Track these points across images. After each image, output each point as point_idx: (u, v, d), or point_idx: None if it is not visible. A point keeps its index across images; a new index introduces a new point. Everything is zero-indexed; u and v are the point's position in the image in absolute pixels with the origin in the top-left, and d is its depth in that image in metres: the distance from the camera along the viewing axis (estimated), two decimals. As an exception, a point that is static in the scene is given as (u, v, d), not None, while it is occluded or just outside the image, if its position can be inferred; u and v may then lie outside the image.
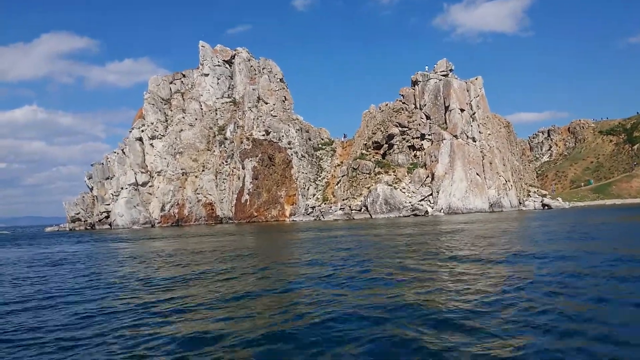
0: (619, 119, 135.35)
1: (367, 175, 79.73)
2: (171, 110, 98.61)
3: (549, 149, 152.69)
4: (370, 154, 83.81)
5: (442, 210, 72.02)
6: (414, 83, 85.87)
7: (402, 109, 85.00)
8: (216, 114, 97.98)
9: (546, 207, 79.66)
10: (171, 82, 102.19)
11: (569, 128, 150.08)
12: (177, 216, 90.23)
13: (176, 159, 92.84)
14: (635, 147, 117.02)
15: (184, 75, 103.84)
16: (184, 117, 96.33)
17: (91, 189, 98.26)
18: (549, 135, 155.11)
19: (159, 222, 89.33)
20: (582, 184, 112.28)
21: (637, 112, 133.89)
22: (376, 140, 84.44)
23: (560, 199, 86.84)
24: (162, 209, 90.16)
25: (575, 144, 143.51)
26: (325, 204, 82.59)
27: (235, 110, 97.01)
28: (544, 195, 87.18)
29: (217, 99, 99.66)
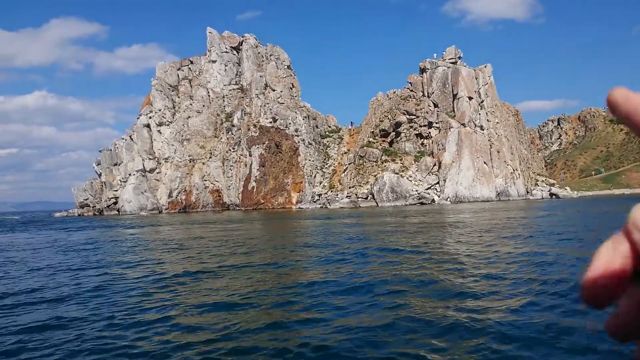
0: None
1: (374, 163, 79.54)
2: (179, 97, 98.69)
3: (558, 138, 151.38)
4: (377, 142, 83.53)
5: (448, 199, 71.83)
6: (422, 70, 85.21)
7: (410, 97, 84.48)
8: (223, 100, 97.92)
9: (554, 197, 79.15)
10: (179, 69, 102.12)
11: (579, 117, 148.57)
12: (184, 203, 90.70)
13: (183, 145, 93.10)
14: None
15: (191, 62, 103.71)
16: (191, 104, 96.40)
17: (99, 175, 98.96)
18: (558, 124, 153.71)
19: (166, 209, 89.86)
20: (593, 172, 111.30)
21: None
22: (383, 128, 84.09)
23: (568, 188, 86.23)
24: (170, 196, 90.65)
25: (585, 132, 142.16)
26: (332, 191, 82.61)
27: (242, 97, 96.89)
28: (552, 185, 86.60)
29: (225, 85, 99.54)
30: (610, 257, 0.45)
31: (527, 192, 79.81)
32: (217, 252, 19.53)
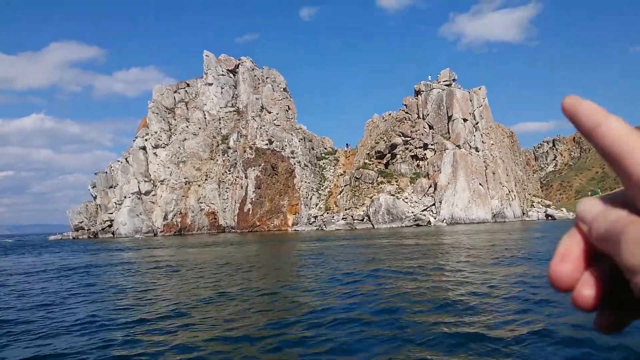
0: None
1: (370, 184, 79.52)
2: (175, 120, 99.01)
3: (554, 159, 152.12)
4: (373, 164, 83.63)
5: (444, 221, 71.66)
6: (417, 93, 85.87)
7: (405, 119, 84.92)
8: (220, 123, 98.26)
9: (550, 218, 79.11)
10: (175, 92, 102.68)
11: (574, 138, 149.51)
12: (179, 225, 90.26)
13: (179, 168, 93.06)
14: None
15: (188, 85, 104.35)
16: (187, 126, 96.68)
17: (95, 198, 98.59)
18: (554, 145, 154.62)
19: (161, 231, 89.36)
20: (589, 193, 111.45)
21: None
22: (379, 149, 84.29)
23: (564, 209, 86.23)
24: (165, 218, 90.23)
25: (580, 153, 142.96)
26: (327, 213, 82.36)
27: (238, 120, 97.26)
28: (548, 206, 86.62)
29: (221, 108, 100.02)
30: (568, 244, 0.54)
31: (523, 214, 79.75)
32: (213, 278, 19.28)
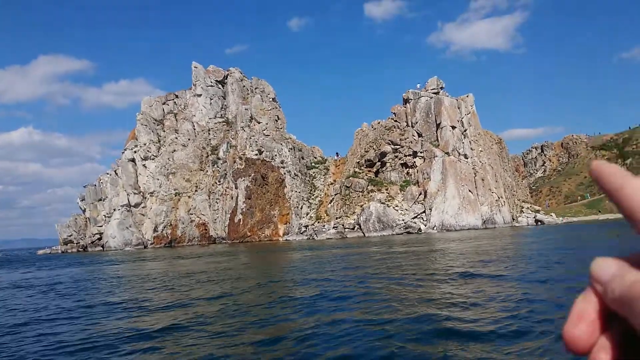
0: (611, 133, 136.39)
1: (360, 193, 79.60)
2: (164, 131, 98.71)
3: (542, 165, 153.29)
4: (363, 172, 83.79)
5: (435, 228, 71.84)
6: (406, 101, 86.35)
7: (394, 127, 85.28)
8: (209, 134, 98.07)
9: (539, 223, 79.57)
10: (164, 103, 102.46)
11: (562, 143, 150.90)
12: (170, 237, 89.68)
13: (169, 179, 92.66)
14: (628, 161, 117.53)
15: (176, 96, 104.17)
16: (176, 138, 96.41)
17: (84, 211, 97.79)
18: (542, 151, 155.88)
19: (151, 243, 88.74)
20: (579, 198, 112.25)
21: (629, 127, 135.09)
22: (369, 158, 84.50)
23: (553, 214, 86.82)
24: (155, 230, 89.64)
25: (568, 159, 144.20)
26: (318, 222, 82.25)
27: (228, 130, 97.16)
28: (537, 211, 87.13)
29: (210, 119, 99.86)
30: (583, 306, 0.52)
31: (513, 219, 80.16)
32: (204, 291, 19.14)
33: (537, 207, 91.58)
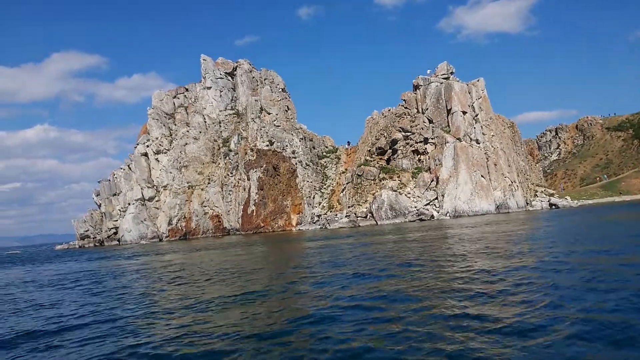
0: (627, 114, 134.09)
1: (372, 181, 79.48)
2: (175, 125, 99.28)
3: (557, 148, 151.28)
4: (374, 160, 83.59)
5: (448, 214, 71.56)
6: (416, 87, 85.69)
7: (405, 114, 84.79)
8: (220, 126, 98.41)
9: (554, 207, 78.78)
10: (174, 97, 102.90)
11: (576, 125, 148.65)
12: (184, 229, 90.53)
13: (182, 172, 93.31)
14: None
15: (187, 89, 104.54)
16: (188, 131, 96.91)
17: (99, 206, 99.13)
18: (556, 134, 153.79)
19: (166, 236, 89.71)
20: (597, 179, 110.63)
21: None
22: (380, 146, 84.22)
23: (568, 197, 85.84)
24: (170, 223, 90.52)
25: (583, 141, 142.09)
26: (331, 211, 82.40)
27: (238, 122, 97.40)
28: (551, 195, 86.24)
29: (221, 111, 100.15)
30: None
31: (527, 204, 79.46)
32: (222, 281, 19.36)
33: (551, 191, 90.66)
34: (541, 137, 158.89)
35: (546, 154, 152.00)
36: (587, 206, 76.61)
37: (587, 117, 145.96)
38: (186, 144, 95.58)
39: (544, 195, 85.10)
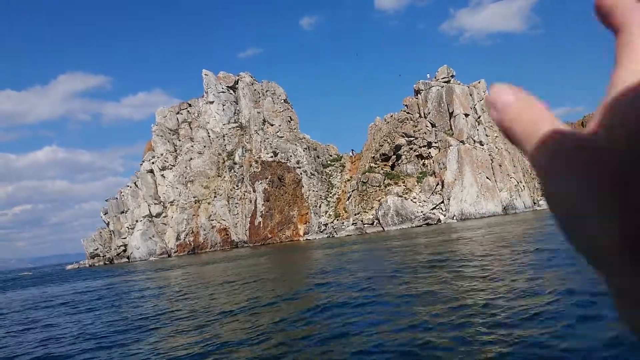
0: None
1: (377, 187, 79.41)
2: (180, 140, 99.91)
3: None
4: (378, 167, 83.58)
5: (454, 217, 71.29)
6: (417, 92, 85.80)
7: (407, 119, 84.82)
8: (224, 139, 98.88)
9: (562, 205, 78.19)
10: (178, 113, 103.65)
11: (582, 122, 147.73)
12: (192, 244, 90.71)
13: (188, 187, 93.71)
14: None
15: (189, 105, 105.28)
16: (192, 146, 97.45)
17: (107, 224, 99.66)
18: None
19: (175, 252, 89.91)
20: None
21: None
22: (383, 152, 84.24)
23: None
24: (178, 238, 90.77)
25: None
26: (337, 220, 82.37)
27: (242, 135, 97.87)
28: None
29: (224, 125, 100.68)
30: None
31: (534, 203, 79.02)
32: (245, 291, 19.46)
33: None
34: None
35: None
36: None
37: (592, 114, 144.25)
38: (191, 158, 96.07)
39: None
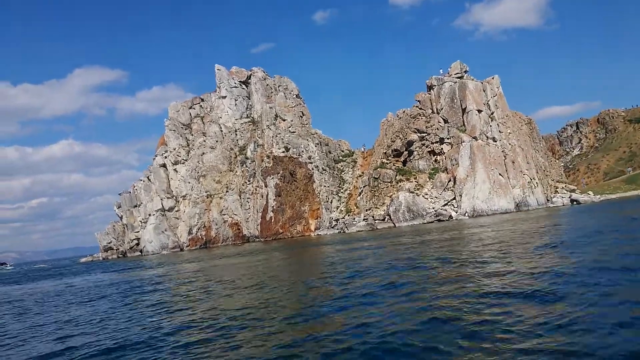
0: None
1: (389, 183, 79.17)
2: (192, 135, 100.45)
3: (578, 142, 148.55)
4: (390, 162, 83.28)
5: (466, 214, 70.85)
6: (429, 88, 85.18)
7: (420, 115, 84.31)
8: (236, 134, 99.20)
9: (575, 203, 77.37)
10: (190, 107, 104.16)
11: (598, 119, 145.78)
12: (204, 238, 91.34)
13: (200, 182, 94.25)
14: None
15: (202, 100, 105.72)
16: (205, 141, 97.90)
17: (121, 218, 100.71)
18: (577, 128, 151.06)
19: (187, 246, 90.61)
20: (622, 171, 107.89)
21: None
22: (395, 148, 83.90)
23: (591, 192, 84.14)
24: (190, 232, 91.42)
25: (605, 134, 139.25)
26: (348, 215, 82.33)
27: (254, 130, 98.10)
28: (572, 191, 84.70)
29: (236, 119, 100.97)
30: None
31: (547, 200, 78.20)
32: (249, 290, 19.57)
33: (572, 187, 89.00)
34: (562, 132, 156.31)
35: (568, 149, 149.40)
36: (610, 201, 75.04)
37: (609, 110, 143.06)
38: (203, 153, 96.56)
39: (565, 192, 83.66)
